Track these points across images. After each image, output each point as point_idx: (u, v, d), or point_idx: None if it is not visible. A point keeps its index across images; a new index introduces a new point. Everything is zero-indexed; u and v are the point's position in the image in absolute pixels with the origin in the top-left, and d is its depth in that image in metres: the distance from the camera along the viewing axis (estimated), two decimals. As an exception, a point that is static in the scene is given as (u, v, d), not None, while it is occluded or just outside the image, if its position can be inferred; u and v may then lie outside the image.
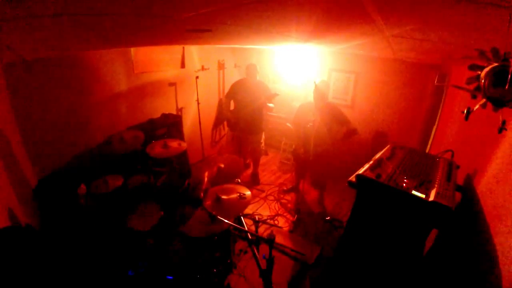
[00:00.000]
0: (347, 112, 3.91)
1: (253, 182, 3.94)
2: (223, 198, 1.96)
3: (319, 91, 2.88)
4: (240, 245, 2.59)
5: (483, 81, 0.77)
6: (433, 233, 1.73)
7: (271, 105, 3.47)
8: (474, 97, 0.87)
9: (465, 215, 1.64)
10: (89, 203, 2.17)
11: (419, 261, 1.68)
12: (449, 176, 1.69)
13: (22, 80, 2.13)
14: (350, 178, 1.73)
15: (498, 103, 0.76)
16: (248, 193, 2.06)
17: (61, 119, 2.47)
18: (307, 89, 4.33)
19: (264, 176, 4.16)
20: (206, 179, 2.59)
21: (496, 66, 0.74)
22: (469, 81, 0.85)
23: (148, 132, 2.89)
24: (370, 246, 1.78)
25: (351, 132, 2.89)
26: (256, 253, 2.06)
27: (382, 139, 3.80)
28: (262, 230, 2.92)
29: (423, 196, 1.46)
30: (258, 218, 3.02)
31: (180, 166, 3.26)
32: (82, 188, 2.17)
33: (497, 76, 0.74)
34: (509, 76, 0.70)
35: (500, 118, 0.77)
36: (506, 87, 0.70)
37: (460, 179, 1.83)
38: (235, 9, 1.02)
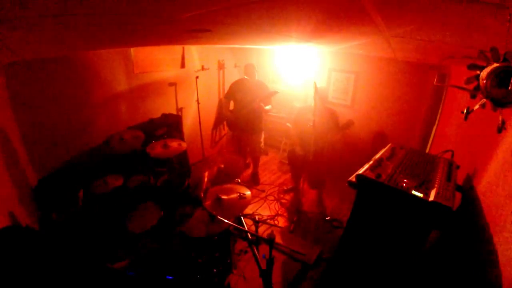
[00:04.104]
0: (347, 112, 3.94)
1: (253, 182, 3.94)
2: (223, 198, 1.96)
3: (319, 92, 2.90)
4: (240, 245, 2.59)
5: (484, 81, 0.77)
6: (433, 233, 1.73)
7: (268, 107, 3.48)
8: (473, 97, 0.87)
9: (465, 215, 1.64)
10: (87, 204, 2.18)
11: (418, 261, 1.68)
12: (449, 176, 1.69)
13: (22, 80, 2.13)
14: (350, 178, 1.73)
15: (499, 103, 0.76)
16: (248, 193, 2.06)
17: (61, 119, 2.47)
18: (307, 89, 4.34)
19: (264, 176, 4.16)
20: (206, 179, 2.59)
21: (498, 67, 0.74)
22: (469, 80, 0.85)
23: (148, 132, 2.89)
24: (370, 246, 1.78)
25: (348, 123, 2.96)
26: (256, 253, 2.05)
27: (382, 139, 3.80)
28: (262, 230, 2.92)
29: (423, 196, 1.46)
30: (258, 218, 3.03)
31: (180, 166, 3.26)
32: (81, 192, 2.21)
33: (499, 77, 0.74)
34: None
35: (500, 118, 0.77)
36: (510, 87, 0.70)
37: (460, 179, 1.83)
38: (235, 9, 1.02)
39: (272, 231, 1.80)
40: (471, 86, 0.86)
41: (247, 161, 4.19)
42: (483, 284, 1.20)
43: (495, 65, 0.75)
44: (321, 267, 2.50)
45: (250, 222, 2.88)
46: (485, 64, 0.79)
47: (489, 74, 0.75)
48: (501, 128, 0.77)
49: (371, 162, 1.83)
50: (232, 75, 4.53)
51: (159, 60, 3.42)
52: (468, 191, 1.74)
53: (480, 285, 1.23)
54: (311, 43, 2.65)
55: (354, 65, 3.94)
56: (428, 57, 2.58)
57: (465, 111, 0.88)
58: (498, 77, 0.74)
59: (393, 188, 1.55)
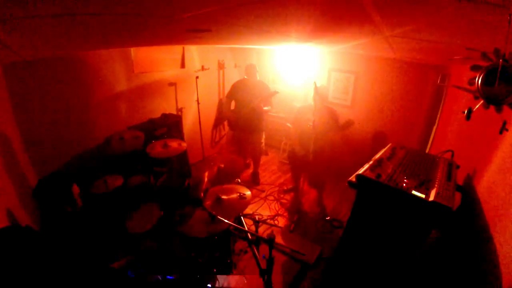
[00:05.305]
0: (347, 112, 3.94)
1: (253, 182, 3.94)
2: (223, 198, 1.96)
3: (319, 92, 2.89)
4: (240, 245, 2.59)
5: (476, 80, 0.77)
6: (433, 233, 1.73)
7: (267, 108, 3.49)
8: (476, 97, 0.87)
9: (465, 215, 1.64)
10: (87, 204, 2.18)
11: (418, 261, 1.68)
12: (449, 176, 1.69)
13: (22, 80, 2.13)
14: (350, 178, 1.73)
15: (495, 102, 0.76)
16: (248, 193, 2.06)
17: (61, 119, 2.47)
18: (307, 89, 4.33)
19: (264, 176, 4.15)
20: (206, 179, 2.59)
21: (488, 66, 0.74)
22: (471, 81, 0.85)
23: (148, 132, 2.89)
24: (370, 246, 1.78)
25: (348, 123, 2.95)
26: (256, 253, 2.05)
27: (382, 139, 3.80)
28: (262, 230, 2.92)
29: (423, 196, 1.46)
30: (258, 218, 3.03)
31: (180, 166, 3.26)
32: (75, 188, 2.22)
33: (490, 75, 0.74)
34: (498, 74, 0.70)
35: (501, 119, 0.77)
36: (495, 85, 0.71)
37: (460, 179, 1.83)
38: (235, 9, 1.02)
39: (272, 231, 1.80)
40: (473, 87, 0.86)
41: (247, 161, 4.19)
42: (483, 284, 1.20)
43: (486, 64, 0.75)
44: (321, 267, 2.50)
45: (250, 222, 2.87)
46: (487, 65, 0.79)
47: (480, 73, 0.76)
48: (502, 129, 0.77)
49: (371, 162, 1.83)
50: (232, 75, 4.53)
51: (159, 60, 3.42)
52: (468, 191, 1.75)
53: (480, 285, 1.23)
54: (311, 43, 2.65)
55: (354, 65, 3.94)
56: (428, 57, 2.58)
57: (466, 111, 0.88)
58: (489, 76, 0.74)
59: (393, 188, 1.55)
